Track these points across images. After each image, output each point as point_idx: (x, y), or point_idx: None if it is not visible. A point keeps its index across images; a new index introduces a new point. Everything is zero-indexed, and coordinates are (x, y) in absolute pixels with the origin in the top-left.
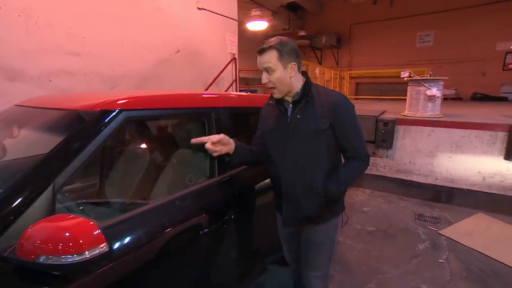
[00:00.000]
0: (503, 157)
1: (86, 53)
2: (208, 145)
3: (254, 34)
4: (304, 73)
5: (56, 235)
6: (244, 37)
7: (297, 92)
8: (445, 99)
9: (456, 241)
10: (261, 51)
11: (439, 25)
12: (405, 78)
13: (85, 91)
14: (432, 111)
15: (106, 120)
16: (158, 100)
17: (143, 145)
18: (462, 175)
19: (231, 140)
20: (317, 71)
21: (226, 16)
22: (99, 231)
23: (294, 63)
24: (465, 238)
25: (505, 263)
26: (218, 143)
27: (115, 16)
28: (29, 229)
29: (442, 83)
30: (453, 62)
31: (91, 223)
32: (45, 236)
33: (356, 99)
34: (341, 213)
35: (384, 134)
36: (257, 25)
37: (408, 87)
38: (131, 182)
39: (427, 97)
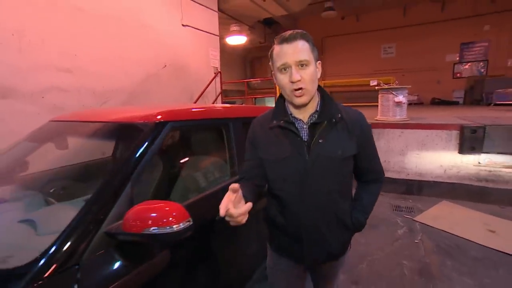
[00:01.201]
0: (457, 151)
1: (78, 70)
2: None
3: (233, 48)
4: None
5: (159, 213)
6: (224, 51)
7: (316, 110)
8: (409, 104)
9: (427, 225)
10: (291, 39)
11: (399, 38)
12: (376, 87)
13: (102, 107)
14: (400, 115)
15: (159, 130)
16: (191, 113)
17: (181, 150)
18: (428, 169)
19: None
20: None
21: (208, 32)
22: (184, 209)
23: (319, 61)
24: (434, 222)
25: (465, 238)
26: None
27: (104, 34)
28: (130, 212)
29: (406, 90)
30: (413, 71)
31: (178, 204)
32: (148, 215)
33: None
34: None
35: None
36: (236, 39)
37: (379, 95)
38: (176, 179)
39: (395, 103)
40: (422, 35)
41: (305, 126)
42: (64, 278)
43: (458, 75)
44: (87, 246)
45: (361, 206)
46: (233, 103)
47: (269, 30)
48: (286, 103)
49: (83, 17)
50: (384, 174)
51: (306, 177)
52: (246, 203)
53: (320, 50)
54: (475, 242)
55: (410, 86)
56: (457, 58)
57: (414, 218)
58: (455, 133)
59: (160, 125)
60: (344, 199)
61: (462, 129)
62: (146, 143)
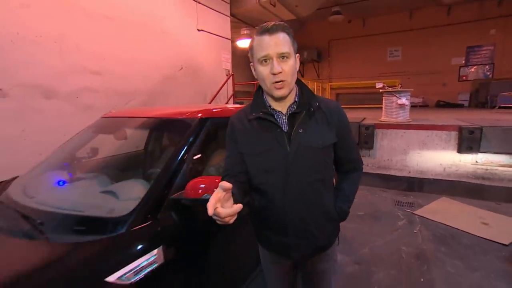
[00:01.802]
0: (456, 151)
1: (106, 72)
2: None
3: (243, 51)
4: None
5: (211, 184)
6: (234, 54)
7: (294, 101)
8: (414, 106)
9: (426, 217)
10: (272, 30)
11: (405, 42)
12: (380, 90)
13: (126, 106)
14: (403, 116)
15: (202, 124)
16: (223, 112)
17: (216, 140)
18: (429, 167)
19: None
20: None
21: (221, 36)
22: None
23: (298, 55)
24: (432, 215)
25: (459, 229)
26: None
27: (128, 39)
28: (191, 183)
29: (409, 93)
30: (419, 74)
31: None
32: (205, 184)
33: None
34: (339, 230)
35: (366, 137)
36: (246, 42)
37: (383, 97)
38: (212, 163)
39: (398, 105)
40: (428, 38)
41: (284, 118)
42: (149, 226)
43: (463, 78)
44: (160, 207)
45: (343, 195)
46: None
47: None
48: (264, 95)
49: (111, 25)
50: (362, 163)
51: (289, 168)
52: (234, 202)
53: (327, 53)
54: (468, 233)
55: (412, 90)
56: (463, 62)
57: (414, 212)
58: (454, 134)
59: (203, 121)
60: (327, 189)
61: (460, 130)
62: (195, 134)
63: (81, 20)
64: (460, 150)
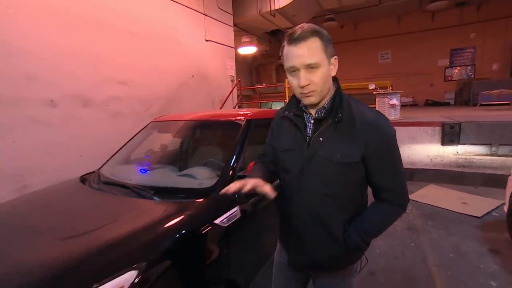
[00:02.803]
0: (440, 143)
1: (130, 82)
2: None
3: (243, 57)
4: (334, 79)
5: None
6: (236, 60)
7: (324, 106)
8: (405, 105)
9: (416, 201)
10: (299, 40)
11: (394, 45)
12: (374, 92)
13: (147, 112)
14: (395, 115)
15: (249, 125)
16: (261, 114)
17: (257, 137)
18: (418, 159)
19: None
20: None
21: (226, 45)
22: None
23: (336, 57)
24: (421, 198)
25: (443, 207)
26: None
27: (148, 50)
28: (251, 164)
29: (399, 94)
30: (408, 75)
31: None
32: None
33: None
34: (360, 259)
35: None
36: (247, 49)
37: (376, 98)
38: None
39: (390, 105)
40: (415, 42)
41: (312, 121)
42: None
43: (449, 78)
44: (232, 181)
45: (361, 222)
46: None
47: (274, 39)
48: None
49: (134, 39)
50: (406, 197)
51: (301, 173)
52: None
53: None
54: (450, 210)
55: (402, 91)
56: (448, 63)
57: None
58: (438, 129)
59: (249, 122)
60: (339, 209)
61: (443, 125)
62: (245, 131)
63: (111, 36)
64: (443, 142)
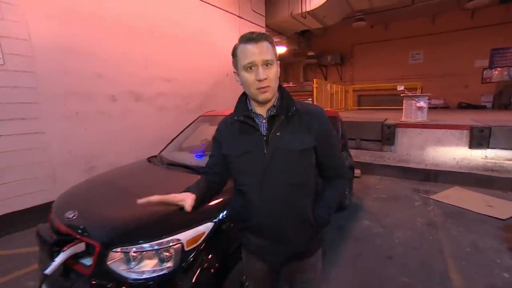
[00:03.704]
0: (468, 147)
1: (174, 80)
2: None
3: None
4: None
5: None
6: None
7: (273, 105)
8: (435, 108)
9: (439, 201)
10: (257, 39)
11: (427, 45)
12: (401, 94)
13: (188, 107)
14: (421, 117)
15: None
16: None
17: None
18: (443, 161)
19: (185, 195)
20: (328, 87)
21: None
22: None
23: (279, 62)
24: (444, 199)
25: (466, 208)
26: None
27: (188, 51)
28: None
29: (427, 97)
30: (441, 76)
31: None
32: None
33: (359, 109)
34: (321, 246)
35: (388, 135)
36: (277, 49)
37: (403, 100)
38: None
39: (417, 108)
40: (451, 41)
41: (264, 121)
42: None
43: (487, 80)
44: None
45: (324, 201)
46: None
47: (302, 38)
48: (247, 99)
49: (177, 41)
50: (346, 170)
51: (265, 170)
52: (198, 199)
53: (350, 56)
54: (474, 211)
55: (430, 94)
56: (487, 64)
57: (429, 196)
58: (466, 132)
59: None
60: (305, 194)
61: (471, 129)
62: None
63: (158, 40)
64: (471, 146)
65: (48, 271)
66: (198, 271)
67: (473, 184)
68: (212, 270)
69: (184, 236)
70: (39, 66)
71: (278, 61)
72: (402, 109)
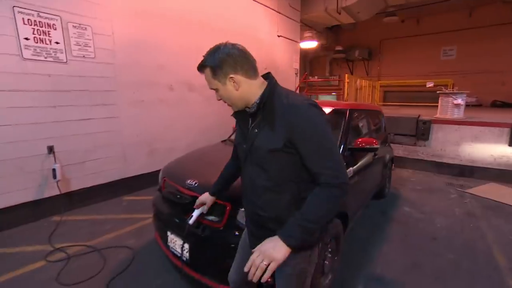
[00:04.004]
0: (507, 144)
1: None
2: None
3: (304, 51)
4: (267, 76)
5: (369, 141)
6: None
7: (254, 102)
8: (467, 105)
9: (475, 194)
10: (199, 70)
11: (461, 40)
12: (437, 92)
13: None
14: (458, 114)
15: (351, 112)
16: (355, 105)
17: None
18: (480, 157)
19: (210, 197)
20: (358, 82)
21: (292, 40)
22: (376, 140)
23: (232, 75)
24: (481, 193)
25: (505, 203)
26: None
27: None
28: (357, 140)
29: (465, 95)
30: (474, 73)
31: (373, 139)
32: (364, 141)
33: (384, 105)
34: (314, 246)
35: (423, 130)
36: (309, 44)
37: (440, 97)
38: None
39: (454, 105)
40: (489, 36)
41: (249, 117)
42: (348, 155)
43: None
44: (345, 150)
45: (300, 212)
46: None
47: (331, 33)
48: None
49: (224, 35)
50: (340, 178)
51: (246, 162)
52: (218, 192)
53: (378, 52)
54: None
55: (468, 92)
56: None
57: (464, 190)
58: (506, 130)
59: (350, 111)
60: (282, 194)
61: None
62: (349, 117)
63: (208, 33)
64: (511, 143)
65: (191, 221)
66: None
67: (511, 181)
68: None
69: None
70: (117, 58)
71: (232, 76)
72: (430, 105)
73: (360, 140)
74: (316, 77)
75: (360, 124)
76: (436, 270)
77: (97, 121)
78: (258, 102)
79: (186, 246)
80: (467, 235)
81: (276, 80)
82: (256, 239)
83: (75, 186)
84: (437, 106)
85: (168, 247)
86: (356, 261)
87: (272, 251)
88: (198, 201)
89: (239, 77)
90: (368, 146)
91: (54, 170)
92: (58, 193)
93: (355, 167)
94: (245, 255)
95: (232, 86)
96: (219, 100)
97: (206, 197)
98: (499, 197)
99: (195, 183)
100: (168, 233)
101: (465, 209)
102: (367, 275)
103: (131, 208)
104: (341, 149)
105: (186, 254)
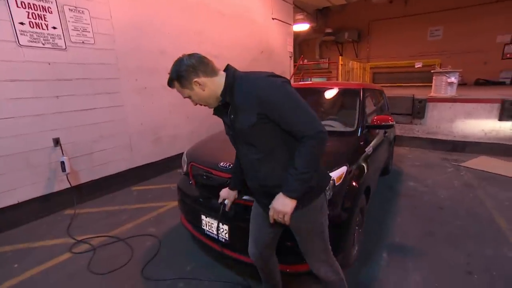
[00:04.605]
0: (497, 119)
1: (220, 55)
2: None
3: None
4: (226, 68)
5: (385, 118)
6: None
7: (221, 93)
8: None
9: (469, 167)
10: (169, 85)
11: (447, 21)
12: (432, 71)
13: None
14: (451, 92)
15: (364, 92)
16: (366, 85)
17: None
18: (471, 132)
19: (231, 192)
20: (350, 64)
21: (286, 23)
22: (391, 117)
23: (195, 79)
24: (474, 166)
25: (497, 173)
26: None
27: (232, 28)
28: (375, 117)
29: (458, 73)
30: (459, 52)
31: (389, 116)
32: (379, 119)
33: None
34: (321, 194)
35: (419, 109)
36: (301, 26)
37: (434, 77)
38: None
39: (447, 83)
40: (473, 17)
41: (224, 109)
42: (365, 134)
43: (508, 55)
44: (364, 128)
45: (292, 168)
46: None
47: (320, 15)
48: None
49: (223, 18)
50: (314, 128)
51: (238, 146)
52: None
53: (367, 33)
54: (504, 175)
55: (461, 70)
56: (509, 39)
57: (459, 164)
58: (496, 105)
59: (362, 90)
60: (273, 163)
61: (503, 102)
62: (363, 96)
63: (208, 17)
64: (501, 118)
65: (227, 208)
66: (341, 201)
67: (501, 154)
68: (348, 200)
69: (334, 174)
70: (117, 44)
71: (196, 80)
72: (418, 85)
73: (376, 117)
74: (305, 60)
75: (371, 103)
76: (448, 236)
77: (101, 111)
78: (223, 92)
79: (224, 227)
80: (468, 204)
81: (235, 68)
82: (261, 204)
83: (84, 178)
84: (424, 85)
85: (202, 230)
86: (376, 233)
87: (282, 207)
88: (220, 197)
89: (202, 79)
90: (384, 124)
91: (62, 163)
92: (68, 186)
93: (372, 143)
94: (257, 225)
95: (199, 88)
96: (196, 105)
97: (227, 192)
98: (491, 169)
99: (229, 165)
100: (203, 216)
101: (462, 181)
102: (388, 245)
103: (143, 198)
104: (360, 127)
105: (224, 235)
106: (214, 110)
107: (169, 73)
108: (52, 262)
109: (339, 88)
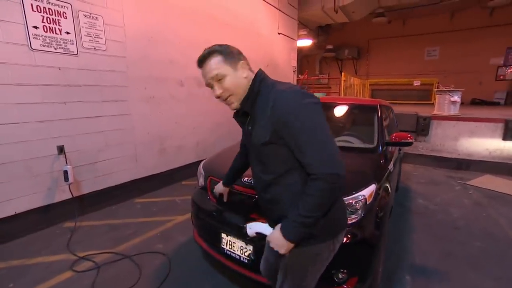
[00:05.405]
0: (501, 138)
1: None
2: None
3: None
4: (256, 74)
5: (404, 136)
6: None
7: (245, 97)
8: None
9: (476, 186)
10: (202, 61)
11: (443, 42)
12: (435, 89)
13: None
14: (454, 111)
15: (381, 107)
16: (379, 102)
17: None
18: (476, 151)
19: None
20: (351, 80)
21: (291, 37)
22: (410, 135)
23: (243, 61)
24: (481, 184)
25: (505, 192)
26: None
27: (239, 40)
28: (394, 134)
29: (461, 92)
30: (456, 72)
31: (408, 133)
32: (397, 136)
33: None
34: (327, 241)
35: (423, 126)
36: (304, 42)
37: (437, 95)
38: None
39: (450, 102)
40: (468, 39)
41: (245, 116)
42: (385, 151)
43: (501, 77)
44: (383, 145)
45: (296, 206)
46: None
47: (321, 31)
48: None
49: (229, 30)
50: (328, 168)
51: (252, 161)
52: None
53: (366, 51)
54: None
55: (463, 90)
56: (502, 62)
57: (465, 182)
58: (500, 125)
59: (379, 106)
60: (281, 185)
61: (506, 122)
62: (380, 112)
63: (215, 27)
64: (505, 138)
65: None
66: (374, 220)
67: (505, 173)
68: (378, 217)
69: (366, 192)
70: (128, 51)
71: (242, 61)
72: (416, 103)
73: (395, 134)
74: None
75: (385, 120)
76: (468, 257)
77: (108, 119)
78: (244, 99)
79: (248, 247)
80: (483, 224)
81: (265, 75)
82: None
83: (86, 189)
84: (423, 103)
85: (221, 250)
86: (393, 251)
87: (276, 246)
88: (216, 192)
89: (246, 64)
90: (403, 141)
91: (65, 172)
92: (70, 197)
93: (392, 160)
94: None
95: (242, 72)
96: (218, 97)
97: (221, 187)
98: (498, 188)
99: (251, 180)
100: (223, 235)
101: (472, 200)
102: (409, 266)
103: (147, 211)
104: (380, 144)
105: (247, 256)
106: (234, 113)
107: (206, 49)
108: (51, 281)
109: (356, 104)
